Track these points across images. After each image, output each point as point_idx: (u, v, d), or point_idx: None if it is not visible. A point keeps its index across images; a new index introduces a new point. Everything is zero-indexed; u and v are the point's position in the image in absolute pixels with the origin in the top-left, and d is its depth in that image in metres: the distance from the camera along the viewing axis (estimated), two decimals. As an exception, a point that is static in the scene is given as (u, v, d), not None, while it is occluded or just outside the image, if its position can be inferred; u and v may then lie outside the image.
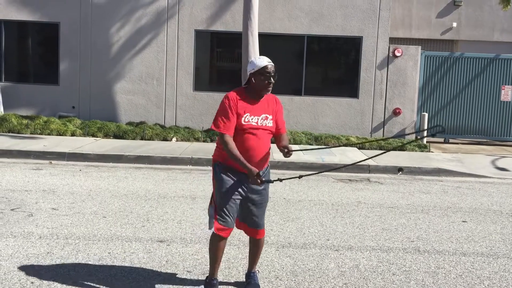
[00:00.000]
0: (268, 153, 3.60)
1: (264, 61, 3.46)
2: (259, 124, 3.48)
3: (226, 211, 3.46)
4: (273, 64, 3.49)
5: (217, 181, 3.52)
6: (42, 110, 11.94)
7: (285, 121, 3.82)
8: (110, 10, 11.74)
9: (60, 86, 11.95)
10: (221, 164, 3.54)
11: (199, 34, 11.85)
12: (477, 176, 8.72)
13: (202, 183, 7.41)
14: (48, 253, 4.32)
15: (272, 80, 3.46)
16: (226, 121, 3.41)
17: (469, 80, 12.28)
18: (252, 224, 3.64)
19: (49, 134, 10.75)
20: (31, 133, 10.76)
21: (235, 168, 3.48)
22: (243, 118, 3.44)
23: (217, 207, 3.51)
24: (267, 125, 3.52)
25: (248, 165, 3.37)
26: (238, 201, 3.49)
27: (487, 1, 15.06)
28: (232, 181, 3.48)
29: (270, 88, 3.50)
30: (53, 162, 8.64)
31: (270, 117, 3.55)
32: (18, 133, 10.74)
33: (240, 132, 3.45)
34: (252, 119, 3.46)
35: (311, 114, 11.88)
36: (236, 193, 3.48)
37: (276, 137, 3.67)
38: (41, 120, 11.14)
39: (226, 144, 3.39)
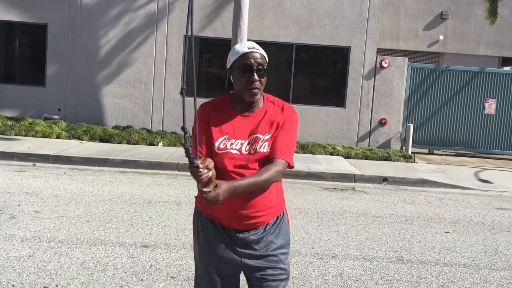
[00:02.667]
0: (269, 202, 2.23)
1: (245, 46, 2.19)
2: (244, 151, 2.16)
3: None
4: (261, 51, 2.20)
5: (195, 244, 2.32)
6: (27, 111, 11.82)
7: (291, 145, 2.24)
8: (99, 13, 11.70)
9: (47, 88, 11.85)
10: (200, 215, 2.30)
11: (188, 39, 11.84)
12: (461, 187, 8.83)
13: (188, 188, 7.39)
14: (30, 256, 4.27)
15: (255, 75, 2.14)
16: (200, 140, 2.20)
17: (454, 93, 12.45)
18: None
19: (34, 136, 10.64)
20: (15, 135, 10.63)
21: (223, 225, 2.22)
22: (217, 144, 2.18)
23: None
24: (258, 150, 2.17)
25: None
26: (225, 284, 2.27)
27: (474, 15, 15.33)
28: (214, 252, 2.23)
29: (256, 91, 2.16)
30: (37, 164, 8.55)
31: (266, 136, 2.19)
32: (2, 134, 10.61)
33: (216, 167, 2.12)
34: (232, 144, 2.18)
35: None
36: (224, 279, 2.26)
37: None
38: (26, 122, 11.02)
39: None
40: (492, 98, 12.43)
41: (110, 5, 11.70)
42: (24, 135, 10.65)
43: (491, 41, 15.47)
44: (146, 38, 11.80)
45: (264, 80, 2.19)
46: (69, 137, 10.79)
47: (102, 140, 10.82)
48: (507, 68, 16.89)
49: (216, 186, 1.95)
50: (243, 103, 2.22)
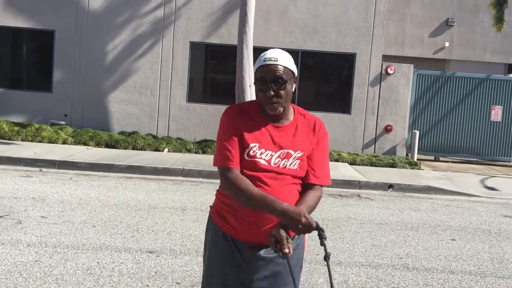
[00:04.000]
0: None
1: (263, 56, 2.11)
2: (273, 164, 2.08)
3: None
4: (280, 61, 2.07)
5: (204, 256, 2.27)
6: (34, 117, 11.89)
7: (328, 165, 2.23)
8: (105, 19, 11.79)
9: (53, 94, 11.92)
10: (214, 226, 2.23)
11: (194, 46, 11.91)
12: (467, 194, 8.79)
13: (193, 194, 7.40)
14: (37, 261, 4.28)
15: (271, 91, 2.04)
16: (225, 149, 2.09)
17: (460, 99, 12.42)
18: None
19: (40, 142, 10.70)
20: (22, 140, 10.70)
21: (237, 239, 2.15)
22: (247, 150, 2.09)
23: None
24: (288, 167, 2.10)
25: (282, 205, 1.99)
26: None
27: (479, 22, 15.32)
28: (224, 267, 2.16)
29: (276, 105, 2.07)
30: (43, 169, 8.60)
31: (298, 154, 2.12)
32: (9, 139, 10.67)
33: (242, 172, 2.10)
34: (262, 154, 2.09)
35: (303, 129, 11.92)
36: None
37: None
38: (32, 128, 11.09)
39: (231, 184, 2.05)
40: (498, 105, 12.39)
41: (116, 12, 11.78)
42: (30, 141, 10.71)
43: (497, 48, 15.44)
44: (153, 45, 11.86)
45: (284, 92, 2.07)
46: (75, 143, 10.84)
47: (108, 145, 10.86)
48: (513, 75, 16.84)
49: (304, 216, 1.97)
50: (270, 114, 2.13)
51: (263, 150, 2.09)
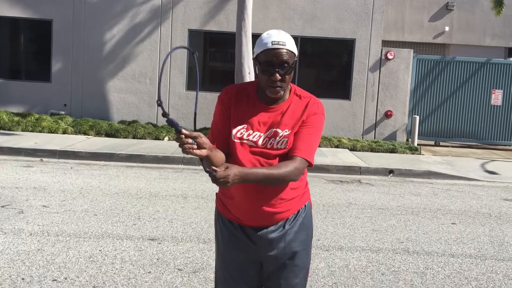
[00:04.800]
0: (289, 197, 2.17)
1: (270, 39, 2.04)
2: (260, 144, 2.09)
3: None
4: (287, 45, 2.04)
5: (216, 244, 2.30)
6: (33, 107, 11.87)
7: (313, 143, 2.15)
8: (103, 8, 11.71)
9: (52, 84, 11.90)
10: (220, 217, 2.26)
11: (192, 33, 11.86)
12: (467, 179, 8.80)
13: (194, 182, 7.42)
14: (39, 250, 4.31)
15: (277, 75, 2.02)
16: (211, 129, 2.20)
17: (460, 84, 12.39)
18: None
19: (40, 132, 10.70)
20: (22, 130, 10.70)
21: (242, 224, 2.17)
22: (234, 132, 2.11)
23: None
24: (275, 146, 2.10)
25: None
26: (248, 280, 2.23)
27: (479, 6, 15.22)
28: (232, 252, 2.21)
29: (278, 89, 2.06)
30: (44, 159, 8.61)
31: (285, 132, 2.10)
32: (9, 130, 10.67)
33: (231, 156, 2.13)
34: (250, 135, 2.10)
35: (303, 115, 11.91)
36: (244, 277, 2.22)
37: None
38: (32, 118, 11.08)
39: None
40: (499, 89, 12.36)
41: (114, 0, 11.70)
42: (30, 131, 10.71)
43: (497, 31, 15.36)
44: (151, 33, 11.80)
45: (289, 77, 2.07)
46: (75, 133, 10.84)
47: (108, 135, 10.86)
48: (513, 59, 16.77)
49: (227, 168, 1.86)
50: (267, 96, 2.12)
51: (250, 131, 2.10)
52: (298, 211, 2.21)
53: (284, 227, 2.16)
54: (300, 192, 2.22)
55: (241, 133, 2.10)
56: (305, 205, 2.25)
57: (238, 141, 2.10)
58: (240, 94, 2.15)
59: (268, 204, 2.11)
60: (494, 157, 11.17)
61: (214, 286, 2.30)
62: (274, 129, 2.10)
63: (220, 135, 2.14)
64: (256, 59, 2.08)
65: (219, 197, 2.25)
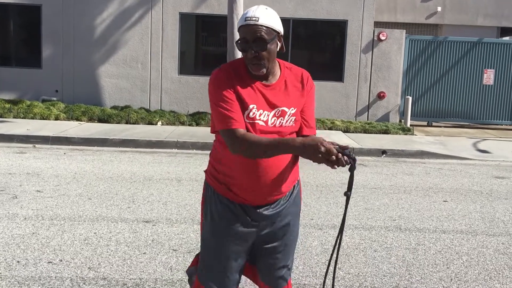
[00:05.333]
0: (288, 175, 2.16)
1: (245, 15, 2.01)
2: (270, 124, 2.05)
3: (216, 283, 2.19)
4: (262, 20, 1.97)
5: (205, 224, 2.22)
6: (25, 94, 11.80)
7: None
8: (93, -8, 11.58)
9: (43, 70, 11.81)
10: (215, 194, 2.18)
11: (183, 17, 11.77)
12: (459, 158, 8.87)
13: (188, 166, 7.44)
14: (34, 233, 4.33)
15: (251, 52, 1.98)
16: (225, 110, 2.01)
17: (452, 64, 12.41)
18: (271, 282, 2.28)
19: (32, 118, 10.65)
20: (14, 117, 10.64)
21: (238, 202, 2.14)
22: (246, 112, 2.03)
23: (200, 272, 2.23)
24: (284, 125, 2.08)
25: (298, 139, 1.92)
26: (240, 263, 2.22)
27: (471, -15, 15.17)
28: (231, 230, 2.15)
29: (258, 66, 2.01)
30: (37, 146, 8.59)
31: (292, 110, 2.09)
32: (1, 117, 10.61)
33: None
34: (261, 115, 2.05)
35: (296, 98, 11.90)
36: (238, 253, 2.19)
37: None
38: (24, 104, 11.02)
39: (242, 144, 1.96)
40: (491, 68, 12.39)
41: (103, -16, 11.57)
42: (22, 118, 10.65)
43: (489, 11, 15.34)
44: (142, 17, 11.70)
45: (266, 53, 1.99)
46: (68, 118, 10.80)
47: (100, 120, 10.83)
48: (506, 38, 16.79)
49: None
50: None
51: (261, 111, 2.04)
52: (294, 187, 2.25)
53: (280, 203, 2.19)
54: (296, 169, 2.24)
55: (254, 113, 2.03)
56: (298, 179, 2.30)
57: (250, 121, 2.03)
58: (236, 73, 2.08)
59: (272, 184, 2.09)
60: (486, 136, 11.24)
61: (197, 272, 2.26)
62: (281, 108, 2.07)
63: (240, 112, 2.02)
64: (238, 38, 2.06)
65: (215, 176, 2.18)
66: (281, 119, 2.06)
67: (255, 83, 2.07)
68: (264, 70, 2.04)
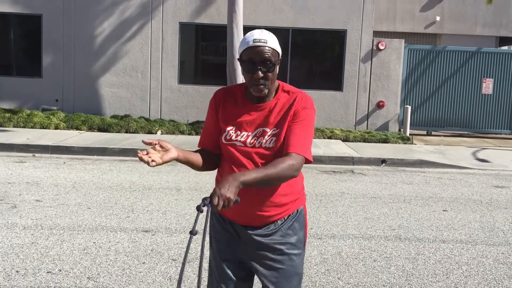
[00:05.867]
0: (271, 196, 2.11)
1: (251, 38, 2.05)
2: (248, 144, 2.09)
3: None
4: (269, 43, 2.04)
5: (209, 238, 2.30)
6: (25, 103, 11.82)
7: (307, 138, 2.10)
8: (93, 2, 11.65)
9: (43, 79, 11.84)
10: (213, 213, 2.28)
11: (183, 26, 11.83)
12: (459, 167, 8.88)
13: (187, 175, 7.44)
14: (33, 243, 4.32)
15: (259, 73, 2.03)
16: (203, 131, 2.26)
17: (451, 73, 12.45)
18: None
19: (32, 128, 10.66)
20: (14, 126, 10.65)
21: (231, 220, 2.18)
22: (224, 134, 2.13)
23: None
24: (264, 145, 2.08)
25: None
26: (235, 283, 2.21)
27: (470, -5, 15.26)
28: (222, 246, 2.21)
29: (261, 87, 2.06)
30: (36, 155, 8.59)
31: (274, 131, 2.09)
32: (1, 126, 10.63)
33: (223, 157, 2.18)
34: (238, 136, 2.11)
35: (296, 107, 11.92)
36: (231, 271, 2.20)
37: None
38: (24, 113, 11.04)
39: None
40: (489, 77, 12.43)
41: (104, -6, 11.64)
42: (22, 127, 10.67)
43: (488, 21, 15.41)
44: (142, 26, 11.76)
45: (272, 74, 2.05)
46: (68, 128, 10.82)
47: (100, 129, 10.85)
48: (504, 48, 16.85)
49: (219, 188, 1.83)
50: (254, 95, 2.11)
51: (239, 132, 2.10)
52: (289, 215, 2.16)
53: (272, 228, 2.13)
54: (293, 198, 2.16)
55: (230, 134, 2.11)
56: (297, 210, 2.19)
57: (228, 143, 2.11)
58: (228, 96, 2.17)
59: (258, 207, 2.09)
60: (485, 145, 11.25)
61: (208, 276, 2.31)
62: (262, 128, 2.09)
63: (209, 138, 2.21)
64: (240, 59, 2.08)
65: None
66: (261, 139, 2.08)
67: (246, 104, 2.13)
68: (266, 91, 2.09)
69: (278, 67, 2.11)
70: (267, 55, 2.03)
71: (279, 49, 2.10)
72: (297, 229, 2.17)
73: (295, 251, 2.15)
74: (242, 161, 2.07)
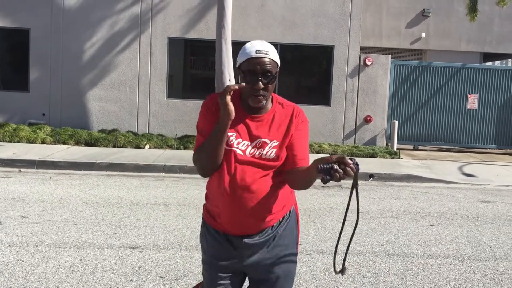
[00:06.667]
0: (272, 205, 2.16)
1: (253, 48, 2.07)
2: (248, 154, 2.10)
3: None
4: (271, 55, 2.07)
5: (202, 254, 2.29)
6: (11, 117, 11.71)
7: (308, 150, 2.22)
8: (82, 16, 11.65)
9: (30, 93, 11.76)
10: (205, 224, 2.27)
11: (172, 41, 11.86)
12: (445, 182, 8.95)
13: (175, 190, 7.40)
14: (18, 260, 4.25)
15: (260, 84, 2.05)
16: (198, 137, 2.17)
17: (437, 89, 12.61)
18: None
19: (18, 142, 10.55)
20: (-1, 141, 10.54)
21: (221, 231, 2.19)
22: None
23: None
24: (264, 156, 2.11)
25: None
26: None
27: (455, 12, 15.54)
28: (217, 260, 2.20)
29: (261, 98, 2.08)
30: (22, 170, 8.49)
31: (274, 143, 2.12)
32: (-14, 140, 10.50)
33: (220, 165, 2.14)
34: (239, 143, 2.11)
35: (284, 122, 11.97)
36: (226, 284, 2.22)
37: (290, 173, 2.14)
38: (10, 128, 10.93)
39: (194, 162, 2.15)
40: (474, 93, 12.62)
41: (92, 9, 11.65)
42: (8, 141, 10.55)
43: (472, 37, 15.69)
44: (130, 41, 11.77)
45: (271, 86, 2.08)
46: (54, 142, 10.73)
47: (88, 144, 10.77)
48: (488, 64, 17.15)
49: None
50: (250, 105, 2.13)
51: (240, 140, 2.10)
52: (283, 218, 2.21)
53: (266, 233, 2.17)
54: (285, 202, 2.21)
55: (231, 140, 2.09)
56: (289, 211, 2.25)
57: (228, 148, 2.09)
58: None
59: (252, 216, 2.11)
60: (471, 160, 11.38)
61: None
62: (262, 140, 2.11)
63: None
64: (239, 68, 2.10)
65: (206, 207, 2.26)
66: (261, 150, 2.10)
67: (243, 114, 2.14)
68: (264, 102, 2.11)
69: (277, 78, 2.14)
70: (268, 67, 2.05)
71: (279, 61, 2.13)
72: (292, 228, 2.24)
73: (290, 253, 2.21)
74: (240, 169, 2.08)
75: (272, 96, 2.19)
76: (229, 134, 2.10)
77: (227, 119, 2.01)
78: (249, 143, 2.11)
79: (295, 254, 2.24)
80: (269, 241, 2.17)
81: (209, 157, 2.06)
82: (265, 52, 2.05)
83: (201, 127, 2.16)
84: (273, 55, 2.08)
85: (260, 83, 2.04)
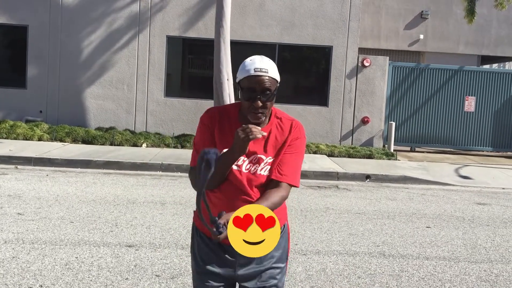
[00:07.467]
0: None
1: (252, 66, 2.05)
2: (244, 169, 2.10)
3: None
4: (270, 72, 2.06)
5: (191, 258, 2.29)
6: (8, 114, 11.68)
7: (298, 166, 2.19)
8: (80, 14, 11.63)
9: (28, 90, 11.73)
10: (197, 230, 2.27)
11: (171, 40, 11.85)
12: (442, 183, 8.98)
13: (172, 189, 7.40)
14: (14, 257, 4.25)
15: (259, 102, 2.04)
16: (194, 151, 2.17)
17: (434, 91, 12.64)
18: None
19: (15, 139, 10.53)
20: (-4, 137, 10.51)
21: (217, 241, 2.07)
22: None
23: None
24: (259, 172, 2.11)
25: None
26: None
27: (453, 14, 15.58)
28: (208, 266, 2.19)
29: (259, 115, 2.07)
30: (19, 167, 8.48)
31: (269, 159, 2.13)
32: (-17, 137, 10.48)
33: None
34: None
35: (281, 122, 11.97)
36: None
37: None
38: (7, 124, 10.90)
39: (191, 180, 2.15)
40: (472, 95, 12.65)
41: (91, 6, 11.63)
42: (5, 138, 10.53)
43: (470, 40, 15.73)
44: (129, 39, 11.76)
45: (270, 103, 2.08)
46: (51, 139, 10.71)
47: (84, 142, 10.75)
48: (486, 66, 17.19)
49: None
50: (249, 120, 2.11)
51: None
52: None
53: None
54: (279, 216, 2.15)
55: None
56: (284, 225, 2.27)
57: None
58: (222, 116, 2.15)
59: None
60: (468, 162, 11.41)
61: None
62: (258, 156, 2.10)
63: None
64: (239, 84, 2.10)
65: (197, 214, 2.24)
66: (256, 166, 2.10)
67: None
68: (263, 118, 2.10)
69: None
70: (267, 85, 2.04)
71: (278, 78, 2.11)
72: (283, 244, 2.25)
73: (278, 265, 2.21)
74: (236, 185, 2.08)
75: (271, 110, 2.18)
76: (225, 150, 2.09)
77: (238, 156, 2.02)
78: (245, 159, 2.09)
79: (285, 267, 2.25)
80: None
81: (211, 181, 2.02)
82: (264, 70, 2.04)
83: (197, 142, 2.17)
84: (272, 72, 2.07)
85: (259, 101, 2.04)
